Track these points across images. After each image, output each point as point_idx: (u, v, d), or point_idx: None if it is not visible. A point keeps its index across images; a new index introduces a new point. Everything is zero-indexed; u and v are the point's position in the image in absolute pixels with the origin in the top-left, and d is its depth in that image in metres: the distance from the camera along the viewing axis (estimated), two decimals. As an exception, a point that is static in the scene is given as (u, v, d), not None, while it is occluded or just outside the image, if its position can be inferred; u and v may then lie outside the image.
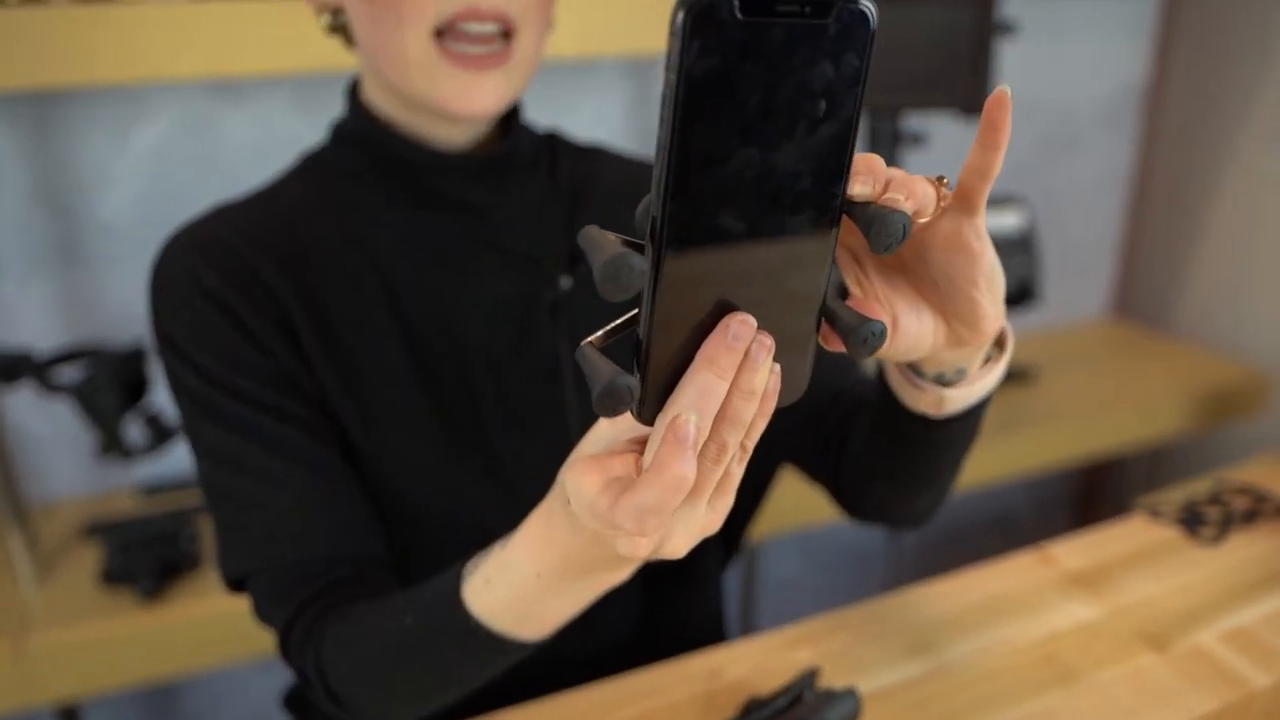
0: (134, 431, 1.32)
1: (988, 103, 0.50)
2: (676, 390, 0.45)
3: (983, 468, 1.65)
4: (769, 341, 0.45)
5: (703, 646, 0.91)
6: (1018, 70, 1.86)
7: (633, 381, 0.43)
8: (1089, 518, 2.32)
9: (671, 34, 0.38)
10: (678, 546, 0.51)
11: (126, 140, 1.36)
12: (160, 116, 1.36)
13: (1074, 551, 0.99)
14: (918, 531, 2.14)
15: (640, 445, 0.49)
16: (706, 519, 0.51)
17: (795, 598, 2.10)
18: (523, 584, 0.60)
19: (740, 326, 0.44)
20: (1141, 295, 2.17)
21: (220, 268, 0.77)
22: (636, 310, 0.45)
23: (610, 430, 0.50)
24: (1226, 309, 1.98)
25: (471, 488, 0.82)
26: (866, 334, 0.47)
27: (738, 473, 0.50)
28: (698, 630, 0.96)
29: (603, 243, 0.40)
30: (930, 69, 1.60)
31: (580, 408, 0.85)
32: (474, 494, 0.82)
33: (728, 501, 0.51)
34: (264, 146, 1.42)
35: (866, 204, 0.45)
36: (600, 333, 0.46)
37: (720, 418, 0.46)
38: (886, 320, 0.55)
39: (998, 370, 0.66)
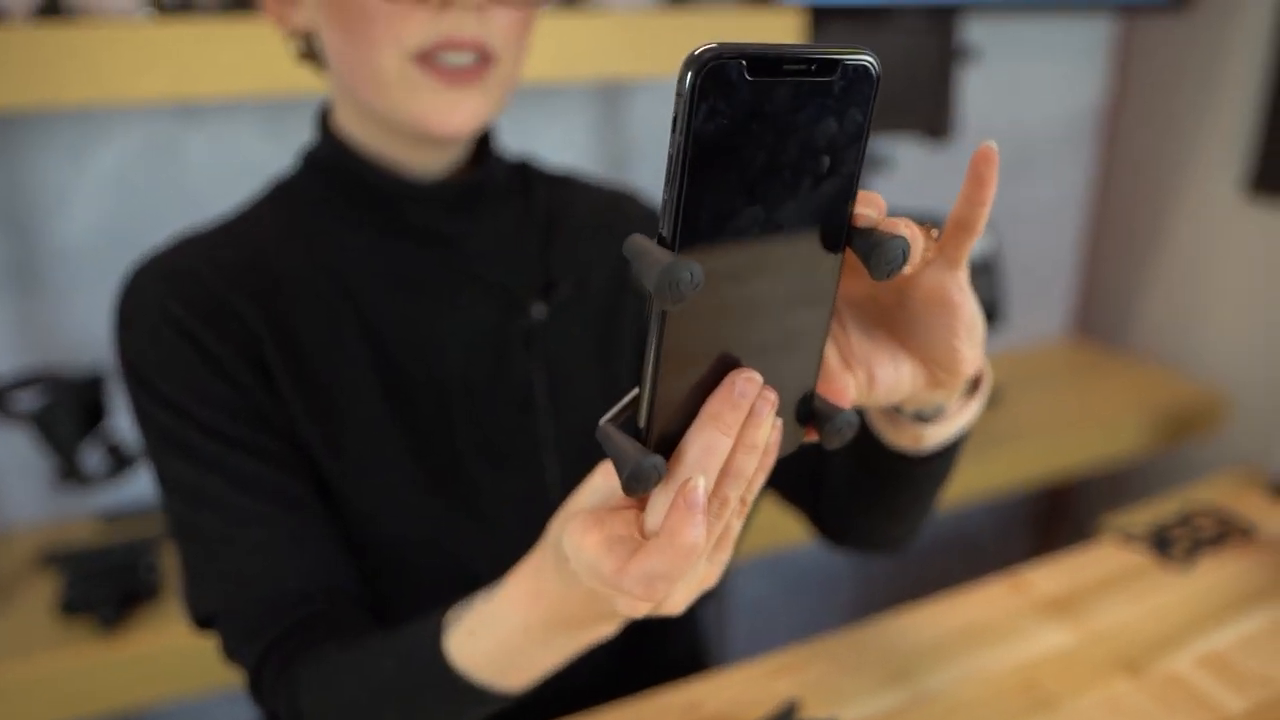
0: (93, 459, 1.29)
1: (974, 158, 0.50)
2: (682, 449, 0.44)
3: (950, 489, 1.65)
4: (773, 396, 0.45)
5: (683, 676, 0.90)
6: (979, 93, 1.88)
7: (659, 461, 0.43)
8: (1050, 537, 2.34)
9: (678, 95, 0.37)
10: (677, 604, 0.50)
11: (86, 163, 1.33)
12: (121, 139, 1.34)
13: (1047, 577, 0.99)
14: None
15: (638, 499, 0.49)
16: (705, 573, 0.50)
17: (764, 619, 2.10)
18: (508, 637, 0.58)
19: (746, 384, 0.44)
20: (1101, 315, 2.20)
21: (188, 298, 0.75)
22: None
23: (606, 483, 0.50)
24: (1183, 329, 2.01)
25: (446, 518, 0.81)
26: (842, 424, 0.49)
27: (737, 526, 0.50)
28: (677, 660, 0.96)
29: (654, 252, 0.39)
30: (894, 93, 1.61)
31: (555, 438, 0.84)
32: (448, 524, 0.81)
33: (726, 556, 0.50)
34: (228, 171, 1.40)
35: (867, 232, 0.45)
36: (616, 408, 0.46)
37: (723, 473, 0.45)
38: (862, 377, 0.56)
39: (975, 405, 0.66)
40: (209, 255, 0.78)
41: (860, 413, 0.70)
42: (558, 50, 1.31)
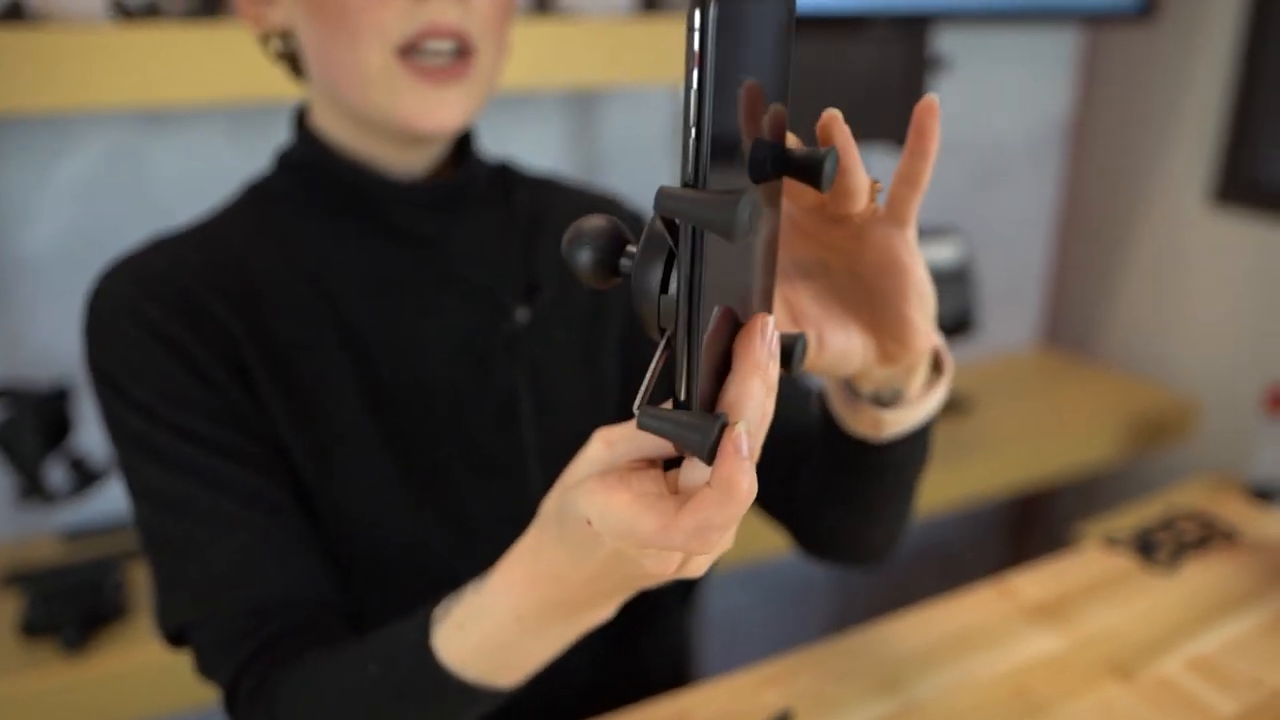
0: (56, 475, 1.26)
1: (917, 109, 0.51)
2: (735, 402, 0.43)
3: (922, 498, 1.65)
4: (777, 335, 0.45)
5: (666, 688, 0.89)
6: (950, 104, 1.89)
7: (724, 418, 0.41)
8: (1024, 544, 2.35)
9: (692, 29, 0.37)
10: (700, 564, 0.49)
11: (49, 171, 1.30)
12: (85, 147, 1.31)
13: (1034, 583, 0.98)
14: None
15: (645, 462, 0.47)
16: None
17: (742, 630, 2.09)
18: (500, 628, 0.56)
19: (767, 325, 0.44)
20: (1070, 324, 2.21)
21: (163, 300, 0.73)
22: (660, 354, 0.43)
23: (607, 452, 0.48)
24: (1151, 337, 2.03)
25: (429, 524, 0.79)
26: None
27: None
28: (660, 671, 0.94)
29: (704, 194, 0.37)
30: (864, 102, 1.62)
31: (539, 445, 0.82)
32: (431, 531, 0.79)
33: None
34: (196, 179, 1.37)
35: (799, 151, 0.45)
36: (643, 390, 0.44)
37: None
38: (812, 337, 0.56)
39: (936, 394, 0.65)
40: (182, 257, 0.76)
41: (823, 399, 0.70)
42: (532, 58, 1.30)
